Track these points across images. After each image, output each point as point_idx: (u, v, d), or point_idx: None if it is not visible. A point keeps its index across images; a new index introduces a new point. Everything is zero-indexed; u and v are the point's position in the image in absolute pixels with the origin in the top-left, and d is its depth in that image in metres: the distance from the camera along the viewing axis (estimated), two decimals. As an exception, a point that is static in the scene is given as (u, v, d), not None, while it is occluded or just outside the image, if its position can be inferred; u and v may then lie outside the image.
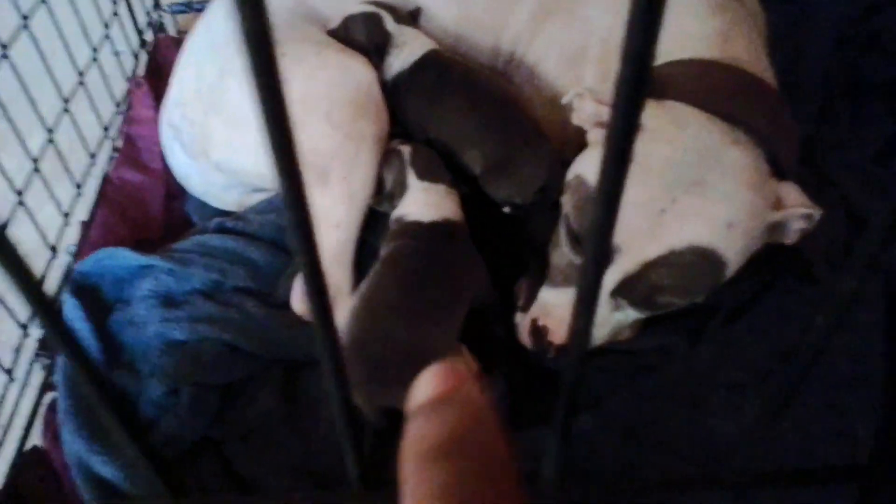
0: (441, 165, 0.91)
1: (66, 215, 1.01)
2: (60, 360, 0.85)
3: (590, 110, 0.80)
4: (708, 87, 0.79)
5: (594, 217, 0.22)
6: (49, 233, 0.98)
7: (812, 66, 1.14)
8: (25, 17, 0.94)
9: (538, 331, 0.80)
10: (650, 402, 0.83)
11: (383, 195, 0.89)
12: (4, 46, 0.89)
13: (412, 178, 0.88)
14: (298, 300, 0.89)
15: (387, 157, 0.91)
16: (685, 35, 0.87)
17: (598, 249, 0.23)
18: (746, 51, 0.86)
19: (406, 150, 0.90)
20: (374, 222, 0.93)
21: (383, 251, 0.85)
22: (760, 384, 0.83)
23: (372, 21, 0.96)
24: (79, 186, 1.04)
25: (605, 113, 0.78)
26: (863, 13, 1.20)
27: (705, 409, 0.81)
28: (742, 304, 0.89)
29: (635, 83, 0.19)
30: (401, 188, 0.88)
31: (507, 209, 0.90)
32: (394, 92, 0.97)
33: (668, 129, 0.75)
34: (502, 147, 0.88)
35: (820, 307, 0.86)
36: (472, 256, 0.85)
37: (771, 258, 0.83)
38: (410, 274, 0.80)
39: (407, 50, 0.96)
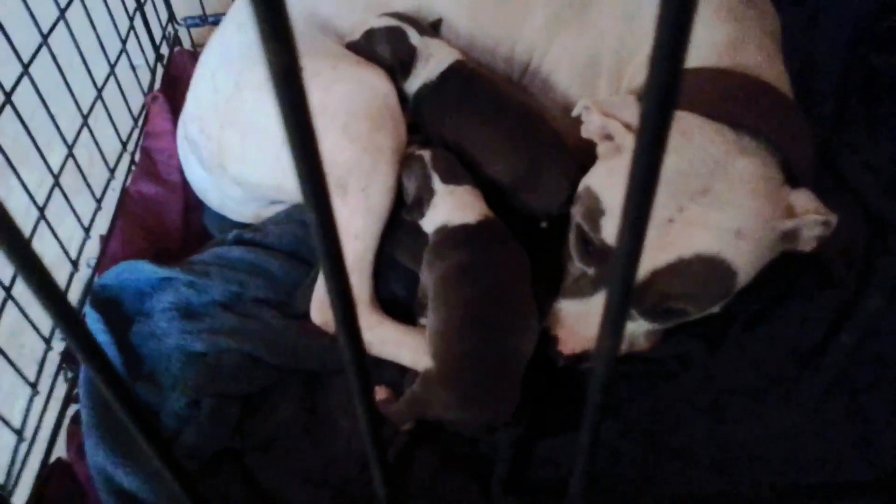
0: (460, 167, 0.91)
1: (87, 229, 1.02)
2: (84, 373, 0.86)
3: (597, 123, 0.80)
4: (716, 95, 0.79)
5: (619, 244, 0.22)
6: (69, 246, 1.00)
7: (827, 67, 1.14)
8: (44, 35, 0.95)
9: (550, 340, 0.80)
10: (670, 410, 0.83)
11: (411, 204, 0.90)
12: (26, 65, 0.90)
13: (437, 183, 0.88)
14: (317, 310, 0.90)
15: (406, 163, 0.92)
16: (696, 43, 0.86)
17: (625, 275, 0.23)
18: (758, 57, 0.85)
19: (426, 154, 0.91)
20: (389, 232, 0.93)
21: (438, 262, 0.84)
22: (781, 391, 0.83)
23: (395, 35, 0.96)
24: (98, 201, 1.05)
25: (612, 126, 0.78)
26: (876, 12, 1.19)
27: (725, 416, 0.81)
28: (761, 310, 0.89)
29: (661, 110, 0.19)
30: (427, 193, 0.89)
31: (544, 224, 0.90)
32: (418, 103, 0.97)
33: (674, 139, 0.75)
34: (527, 161, 0.88)
35: (844, 322, 0.86)
36: (517, 246, 0.85)
37: (790, 263, 0.83)
38: (486, 283, 0.80)
39: (433, 61, 0.96)
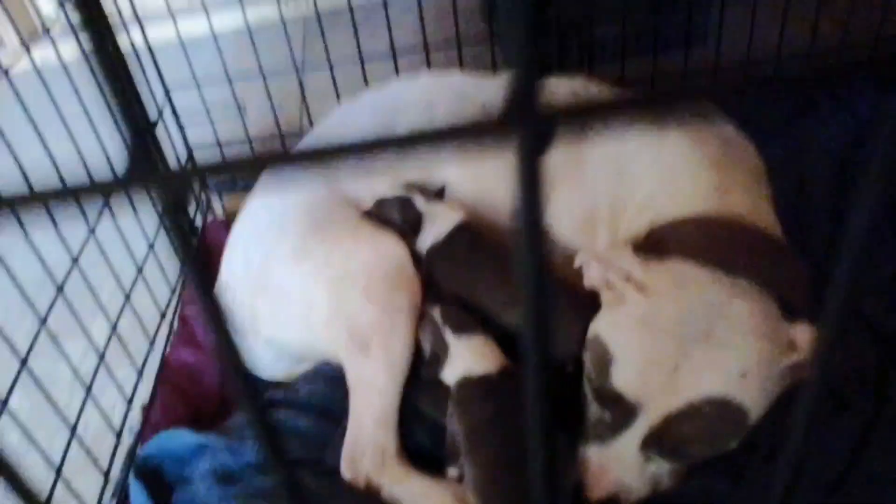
0: (469, 318, 0.97)
1: (130, 400, 1.08)
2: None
3: (597, 274, 0.86)
4: (708, 243, 0.85)
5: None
6: (112, 413, 1.05)
7: (818, 193, 1.20)
8: (92, 229, 1.05)
9: (576, 486, 0.83)
10: (699, 547, 0.83)
11: (429, 361, 0.95)
12: (75, 260, 0.99)
13: (450, 336, 0.94)
14: (347, 466, 0.93)
15: (420, 322, 0.98)
16: (683, 193, 0.94)
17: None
18: (743, 200, 0.92)
19: (436, 311, 0.97)
20: (412, 384, 0.98)
21: (466, 417, 0.87)
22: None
23: (403, 203, 1.06)
24: (140, 371, 1.12)
25: (611, 277, 0.84)
26: (854, 140, 1.26)
27: (754, 552, 0.81)
28: (780, 441, 0.90)
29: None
30: (442, 347, 0.94)
31: (570, 368, 0.93)
32: (430, 263, 1.05)
33: (671, 288, 0.81)
34: None
35: (864, 446, 0.86)
36: None
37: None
38: (516, 431, 0.84)
39: (439, 223, 1.05)
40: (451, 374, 0.93)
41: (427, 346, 0.96)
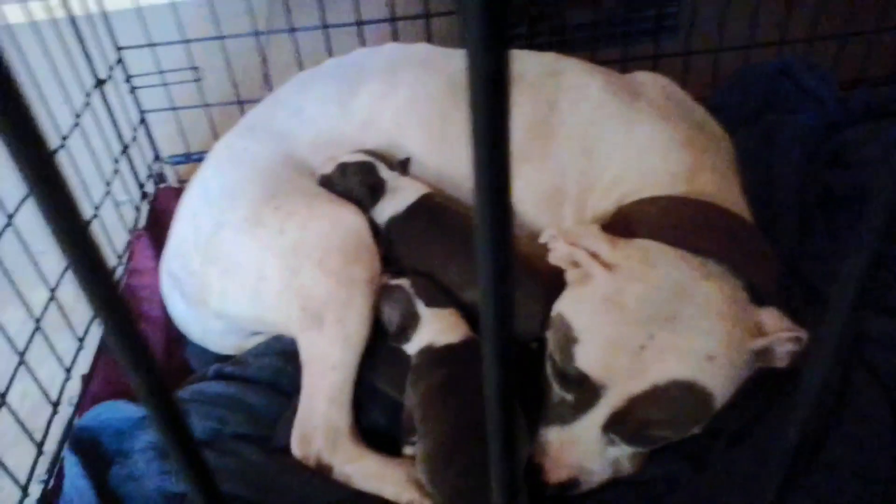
0: (441, 291, 0.93)
1: (69, 369, 1.02)
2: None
3: (563, 251, 0.83)
4: (676, 223, 0.83)
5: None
6: (52, 386, 1.00)
7: (785, 182, 1.19)
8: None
9: (534, 468, 0.80)
10: (659, 534, 0.82)
11: (396, 331, 0.91)
12: (10, 215, 0.93)
13: (421, 308, 0.91)
14: (297, 443, 0.89)
15: (387, 292, 0.94)
16: (654, 173, 0.92)
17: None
18: (714, 183, 0.90)
19: (406, 282, 0.93)
20: (368, 361, 0.94)
21: (421, 383, 0.85)
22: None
23: (366, 168, 1.01)
24: (80, 340, 1.06)
25: (577, 254, 0.82)
26: (823, 131, 1.26)
27: (714, 538, 0.80)
28: (744, 426, 0.89)
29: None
30: (412, 319, 0.90)
31: (534, 344, 0.91)
32: (388, 235, 1.01)
33: (639, 268, 0.78)
34: None
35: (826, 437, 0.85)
36: None
37: (768, 378, 0.84)
38: (470, 396, 0.81)
39: (400, 195, 1.01)
40: (416, 344, 0.90)
41: (395, 318, 0.92)
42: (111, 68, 1.30)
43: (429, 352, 0.88)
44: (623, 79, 1.05)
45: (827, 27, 1.43)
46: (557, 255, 0.84)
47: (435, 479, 0.78)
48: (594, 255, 0.81)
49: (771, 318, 0.78)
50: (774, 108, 1.34)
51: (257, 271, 0.96)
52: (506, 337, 0.24)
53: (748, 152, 1.12)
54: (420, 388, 0.84)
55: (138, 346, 0.24)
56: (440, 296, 0.92)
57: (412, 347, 0.91)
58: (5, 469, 0.86)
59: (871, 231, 0.22)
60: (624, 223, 0.87)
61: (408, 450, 0.90)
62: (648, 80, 1.06)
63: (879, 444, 0.84)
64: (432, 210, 1.00)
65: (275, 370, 0.98)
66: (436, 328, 0.89)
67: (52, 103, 1.05)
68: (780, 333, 0.76)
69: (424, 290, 0.92)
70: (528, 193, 1.00)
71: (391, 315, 0.93)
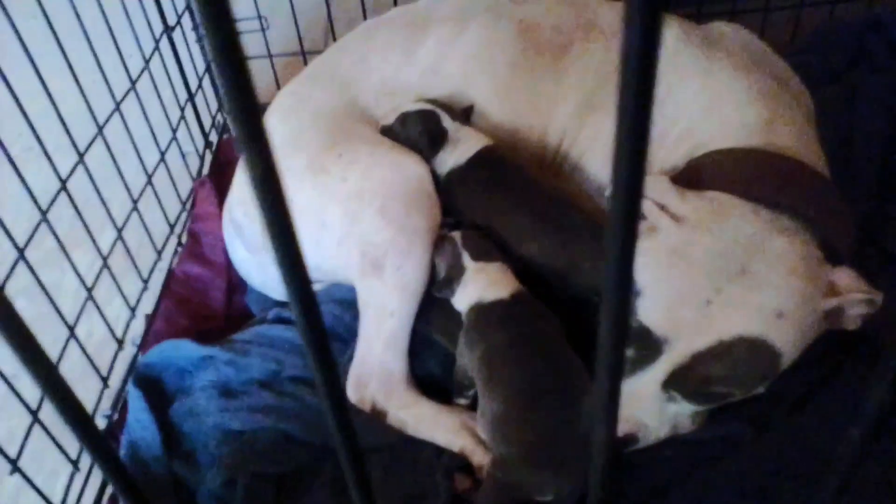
0: (492, 246, 0.92)
1: (133, 309, 1.05)
2: (122, 452, 0.87)
3: None
4: (751, 175, 0.79)
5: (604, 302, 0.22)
6: (117, 325, 1.03)
7: (867, 143, 1.13)
8: (100, 126, 1.01)
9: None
10: (717, 494, 0.79)
11: (441, 281, 0.91)
12: (81, 154, 0.95)
13: (468, 261, 0.89)
14: (352, 388, 0.90)
15: (438, 243, 0.93)
16: (728, 125, 0.87)
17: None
18: (792, 137, 0.85)
19: (457, 235, 0.92)
20: (424, 310, 0.94)
21: (479, 344, 0.83)
22: (833, 476, 0.79)
23: (428, 117, 1.00)
24: (145, 281, 1.09)
25: (644, 206, 0.79)
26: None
27: (774, 501, 0.77)
28: (809, 391, 0.86)
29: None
30: (458, 271, 0.89)
31: (597, 298, 0.89)
32: (448, 186, 1.00)
33: (709, 220, 0.75)
34: (559, 243, 0.89)
35: None
36: (551, 315, 0.85)
37: (836, 341, 0.80)
38: (534, 357, 0.80)
39: (462, 146, 0.99)
40: (463, 299, 0.88)
41: (442, 269, 0.91)
42: (180, 16, 1.31)
43: (479, 310, 0.86)
44: (700, 29, 1.01)
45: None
46: None
47: (509, 438, 0.77)
48: (661, 207, 0.78)
49: (845, 277, 0.74)
50: (859, 66, 1.27)
51: (319, 218, 0.96)
52: (625, 310, 0.23)
53: (828, 112, 1.06)
54: (478, 350, 0.83)
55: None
56: (489, 249, 0.91)
57: (459, 302, 0.89)
58: (56, 444, 0.88)
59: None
60: (694, 175, 0.84)
61: (461, 401, 0.89)
62: (727, 31, 1.01)
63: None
64: (494, 162, 0.97)
65: (333, 317, 0.99)
66: (482, 282, 0.87)
67: (123, 48, 1.07)
68: (853, 294, 0.72)
69: (473, 243, 0.91)
70: (595, 144, 0.97)
71: (439, 265, 0.92)
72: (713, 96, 0.91)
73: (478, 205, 0.96)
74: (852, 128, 1.16)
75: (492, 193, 0.95)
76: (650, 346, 0.75)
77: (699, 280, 0.72)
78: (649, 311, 0.75)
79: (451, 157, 1.00)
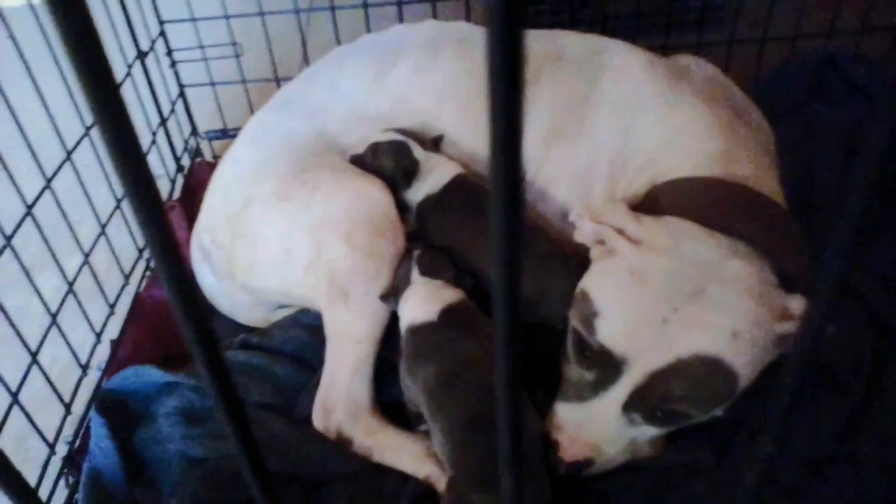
0: (447, 265, 0.93)
1: (99, 334, 1.04)
2: (84, 478, 0.86)
3: (589, 229, 0.82)
4: (707, 202, 0.81)
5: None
6: (83, 351, 1.02)
7: (824, 175, 1.16)
8: (69, 151, 1.01)
9: (549, 446, 0.79)
10: (677, 521, 0.80)
11: (388, 290, 0.92)
12: (48, 179, 0.95)
13: (415, 275, 0.91)
14: (319, 415, 0.90)
15: (401, 261, 0.95)
16: (689, 154, 0.90)
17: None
18: (750, 168, 0.88)
19: (416, 252, 0.94)
20: (389, 337, 0.94)
21: (418, 374, 0.84)
22: (792, 502, 0.80)
23: (399, 148, 1.01)
24: (112, 306, 1.08)
25: (603, 230, 0.81)
26: (868, 122, 1.22)
27: (733, 529, 0.78)
28: (768, 416, 0.87)
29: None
30: (405, 284, 0.91)
31: (560, 326, 0.90)
32: (421, 214, 1.01)
33: (666, 243, 0.77)
34: (531, 273, 0.90)
35: (854, 431, 0.84)
36: (479, 328, 0.87)
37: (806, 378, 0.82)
38: (471, 383, 0.80)
39: (435, 174, 1.00)
40: (403, 316, 0.90)
41: (397, 279, 0.93)
42: (153, 41, 1.32)
43: (413, 333, 0.87)
44: (666, 61, 1.03)
45: (880, 19, 1.39)
46: (583, 232, 0.84)
47: (454, 463, 0.78)
48: (620, 231, 0.79)
49: (798, 304, 0.75)
50: (819, 100, 1.31)
51: (284, 245, 0.96)
52: (517, 325, 0.24)
53: (789, 144, 1.09)
54: (418, 380, 0.84)
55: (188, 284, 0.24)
56: (440, 268, 0.92)
57: (402, 319, 0.90)
58: (35, 427, 0.88)
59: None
60: (654, 202, 0.86)
61: (422, 427, 0.90)
62: (692, 64, 1.04)
63: (828, 426, 0.83)
64: (467, 189, 0.99)
65: (300, 343, 0.99)
66: (419, 298, 0.88)
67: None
68: None
69: (426, 260, 0.92)
70: (561, 171, 0.99)
71: (396, 277, 0.93)
72: (675, 127, 0.93)
73: (451, 231, 0.97)
74: (811, 159, 1.19)
75: (464, 220, 0.97)
76: (609, 368, 0.76)
77: (656, 300, 0.74)
78: (608, 330, 0.76)
79: (424, 186, 1.01)
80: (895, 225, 1.10)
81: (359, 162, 1.02)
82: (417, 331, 0.86)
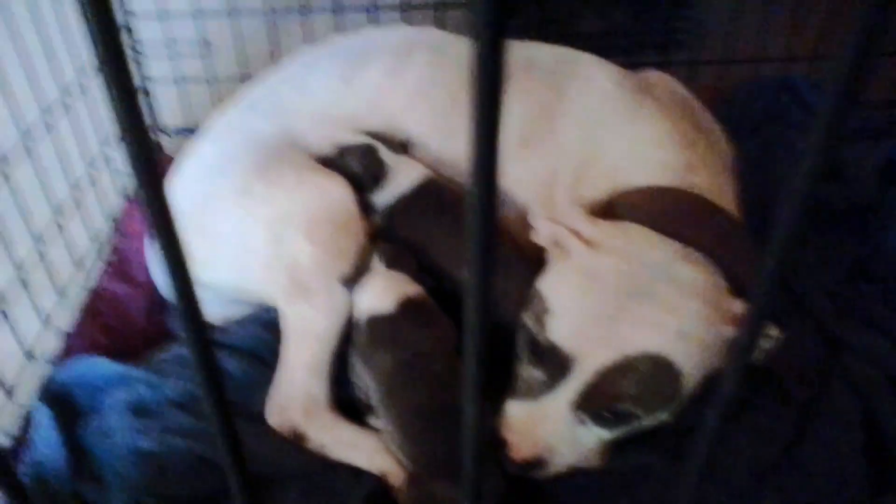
0: (411, 261, 0.94)
1: (46, 319, 1.02)
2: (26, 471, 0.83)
3: (546, 231, 0.84)
4: (662, 210, 0.84)
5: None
6: (34, 341, 0.99)
7: (781, 193, 1.19)
8: (26, 133, 0.99)
9: (499, 444, 0.79)
10: (629, 523, 0.81)
11: (349, 276, 0.92)
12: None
13: (376, 264, 0.91)
14: (273, 412, 0.89)
15: (365, 250, 0.95)
16: (648, 164, 0.92)
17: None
18: (707, 180, 0.90)
19: (382, 244, 0.95)
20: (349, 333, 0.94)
21: (371, 366, 0.85)
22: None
23: (368, 152, 1.01)
24: (63, 294, 1.06)
25: (558, 232, 0.82)
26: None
27: (683, 531, 0.79)
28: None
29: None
30: (366, 272, 0.91)
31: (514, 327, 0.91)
32: (389, 216, 1.01)
33: (618, 245, 0.79)
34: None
35: (800, 440, 0.85)
36: (442, 323, 0.88)
37: (747, 378, 0.83)
38: (425, 378, 0.81)
39: (402, 176, 1.00)
40: (359, 303, 0.90)
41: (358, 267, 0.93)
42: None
43: (370, 324, 0.87)
44: (633, 76, 1.05)
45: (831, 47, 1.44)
46: (541, 234, 0.85)
47: (412, 457, 0.78)
48: (575, 233, 0.81)
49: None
50: (776, 121, 1.35)
51: (243, 241, 0.95)
52: (487, 327, 0.25)
53: (749, 162, 1.12)
54: (371, 370, 0.84)
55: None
56: (403, 263, 0.93)
57: (358, 309, 0.90)
58: None
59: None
60: (612, 208, 0.88)
61: (373, 421, 0.89)
62: (657, 80, 1.06)
63: (851, 448, 0.84)
64: (435, 192, 0.99)
65: (256, 339, 0.98)
66: (378, 287, 0.89)
67: (60, 56, 1.05)
68: None
69: (389, 252, 0.93)
70: (526, 175, 1.00)
71: (358, 264, 0.94)
72: (637, 138, 0.95)
73: (419, 232, 0.98)
74: (770, 178, 1.22)
75: (432, 221, 0.97)
76: (559, 365, 0.77)
77: (606, 299, 0.75)
78: (558, 328, 0.77)
79: (393, 188, 1.01)
80: (842, 241, 1.14)
81: (325, 163, 1.02)
82: (375, 320, 0.87)
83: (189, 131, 1.45)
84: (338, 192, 0.96)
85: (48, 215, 1.06)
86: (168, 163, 1.34)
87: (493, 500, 0.75)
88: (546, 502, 0.81)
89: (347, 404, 0.92)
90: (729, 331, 0.76)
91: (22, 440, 0.89)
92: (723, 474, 0.84)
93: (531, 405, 0.79)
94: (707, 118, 1.06)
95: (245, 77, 1.39)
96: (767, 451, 0.85)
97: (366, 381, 0.85)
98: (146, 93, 1.42)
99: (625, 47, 1.62)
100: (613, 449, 0.84)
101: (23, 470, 0.84)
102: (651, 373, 0.73)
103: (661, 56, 1.59)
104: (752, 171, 1.15)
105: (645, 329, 0.74)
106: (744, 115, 1.38)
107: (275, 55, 1.36)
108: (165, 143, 1.48)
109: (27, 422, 0.92)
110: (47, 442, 0.85)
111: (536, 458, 0.78)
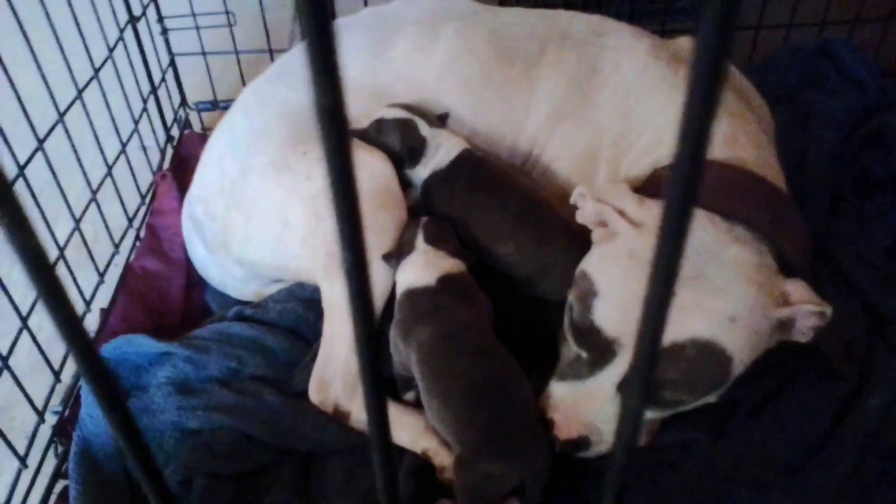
0: (452, 236, 0.93)
1: (88, 303, 1.02)
2: (75, 447, 0.84)
3: (592, 210, 0.82)
4: (710, 187, 0.81)
5: (641, 317, 0.23)
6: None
7: (820, 164, 1.17)
8: (61, 113, 0.99)
9: (546, 424, 0.79)
10: (673, 500, 0.81)
11: (391, 252, 0.91)
12: (40, 140, 0.93)
13: (419, 241, 0.90)
14: (315, 389, 0.89)
15: (406, 225, 0.94)
16: None
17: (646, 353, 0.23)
18: (753, 152, 0.88)
19: (423, 219, 0.93)
20: (389, 311, 0.93)
21: (412, 340, 0.84)
22: (787, 483, 0.81)
23: (406, 126, 0.99)
24: (101, 275, 1.06)
25: (605, 212, 0.81)
26: (862, 113, 1.24)
27: (730, 507, 0.79)
28: (764, 399, 0.88)
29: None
30: (409, 249, 0.90)
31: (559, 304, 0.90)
32: (427, 190, 1.00)
33: None
34: (534, 244, 0.90)
35: (846, 415, 0.85)
36: (480, 300, 0.87)
37: (790, 354, 0.83)
38: (468, 351, 0.80)
39: (442, 150, 0.99)
40: (401, 279, 0.89)
41: (401, 243, 0.92)
42: (145, 6, 1.29)
43: (409, 297, 0.87)
44: (668, 44, 1.03)
45: (871, 12, 1.40)
46: (585, 213, 0.83)
47: (459, 438, 0.77)
48: (621, 213, 0.79)
49: (797, 289, 0.76)
50: (812, 88, 1.32)
51: (282, 217, 0.95)
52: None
53: (783, 131, 1.10)
54: (413, 344, 0.84)
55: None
56: (446, 238, 0.92)
57: (399, 283, 0.90)
58: (25, 395, 0.86)
59: None
60: (656, 185, 0.86)
61: (408, 395, 0.89)
62: (691, 47, 1.03)
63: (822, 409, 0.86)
64: (474, 164, 0.98)
65: (296, 316, 0.98)
66: (420, 263, 0.88)
67: (87, 35, 1.04)
68: (805, 305, 0.74)
69: (432, 228, 0.92)
70: (564, 153, 0.98)
71: (400, 241, 0.93)
72: (678, 110, 0.92)
73: (458, 206, 0.96)
74: (805, 146, 1.20)
75: (472, 195, 0.96)
76: (604, 348, 0.76)
77: None
78: (604, 312, 0.76)
79: (432, 162, 0.99)
80: (884, 211, 1.12)
81: (362, 137, 1.00)
82: (414, 293, 0.86)
83: (215, 105, 1.45)
84: (379, 168, 0.95)
85: (83, 193, 1.06)
86: (197, 139, 1.34)
87: (546, 477, 0.75)
88: (593, 479, 0.81)
89: (393, 383, 0.92)
90: (779, 312, 0.74)
91: (70, 419, 0.90)
92: (765, 449, 0.84)
93: (575, 386, 0.79)
94: (747, 85, 1.04)
95: (270, 49, 1.37)
96: (815, 427, 0.85)
97: (406, 356, 0.85)
98: (173, 67, 1.41)
99: (651, 12, 1.59)
100: (659, 426, 0.84)
101: (72, 447, 0.85)
102: (700, 359, 0.72)
103: (690, 21, 1.55)
104: (786, 142, 1.13)
105: (694, 314, 0.72)
106: (779, 81, 1.34)
107: (299, 27, 1.34)
108: (194, 119, 1.47)
109: (72, 400, 0.93)
110: (94, 419, 0.86)
111: (582, 438, 0.77)
